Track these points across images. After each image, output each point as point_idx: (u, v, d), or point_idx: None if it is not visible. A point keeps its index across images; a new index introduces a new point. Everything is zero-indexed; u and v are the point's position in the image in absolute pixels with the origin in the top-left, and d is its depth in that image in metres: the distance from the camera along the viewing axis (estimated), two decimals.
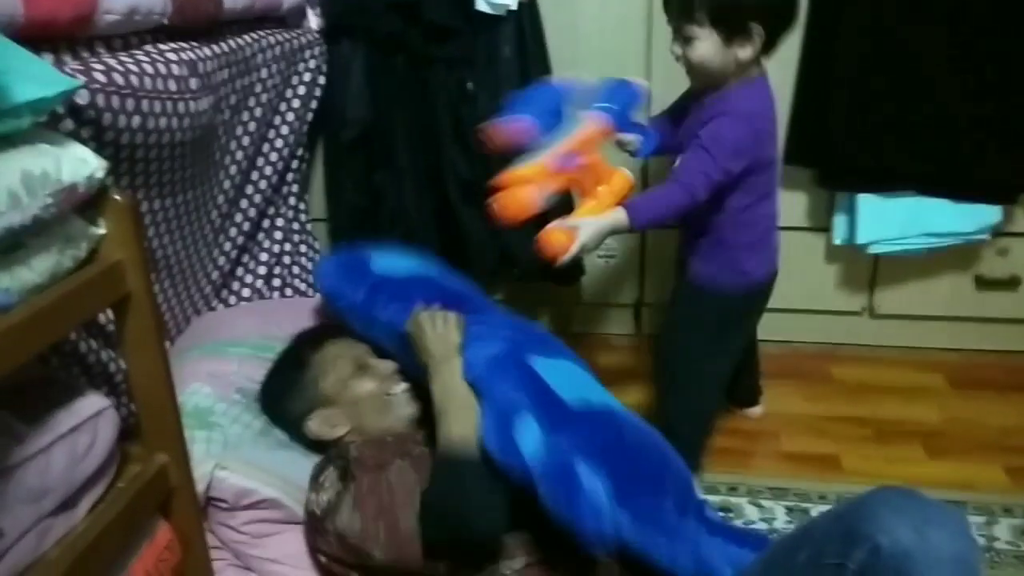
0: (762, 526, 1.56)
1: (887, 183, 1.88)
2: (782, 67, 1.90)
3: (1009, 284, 2.02)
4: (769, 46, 1.41)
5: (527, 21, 1.88)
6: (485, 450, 1.12)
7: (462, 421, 1.15)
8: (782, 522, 1.57)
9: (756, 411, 1.91)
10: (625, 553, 1.10)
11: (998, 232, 1.96)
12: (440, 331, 1.27)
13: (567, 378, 1.24)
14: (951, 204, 1.89)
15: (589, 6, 1.95)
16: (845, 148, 1.86)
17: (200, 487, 1.24)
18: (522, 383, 1.19)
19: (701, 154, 1.39)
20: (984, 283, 2.04)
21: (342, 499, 1.18)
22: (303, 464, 1.36)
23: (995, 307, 2.07)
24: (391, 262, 1.57)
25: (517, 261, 1.99)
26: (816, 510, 1.59)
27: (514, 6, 1.82)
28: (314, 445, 1.38)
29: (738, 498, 1.64)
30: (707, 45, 1.38)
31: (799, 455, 1.77)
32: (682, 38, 1.41)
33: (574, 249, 1.36)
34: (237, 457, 1.32)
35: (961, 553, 0.91)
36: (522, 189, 1.34)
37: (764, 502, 1.63)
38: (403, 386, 1.39)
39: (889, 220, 1.90)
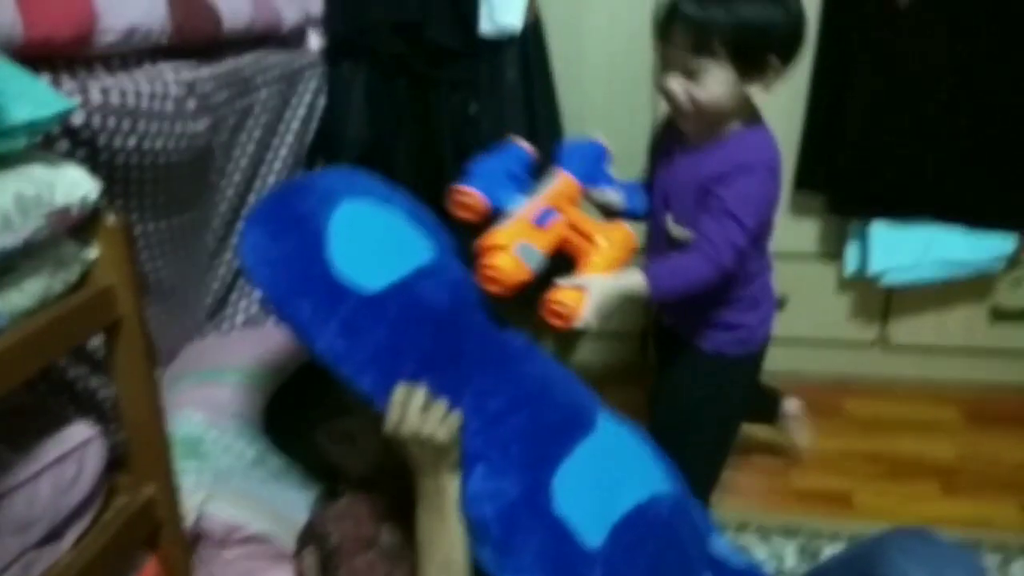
0: (771, 565, 1.51)
1: (900, 209, 1.84)
2: (792, 88, 1.89)
3: (1014, 316, 1.98)
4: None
5: (532, 45, 1.85)
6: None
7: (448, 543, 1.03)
8: (792, 562, 1.52)
9: (792, 406, 1.73)
10: None
11: (1013, 261, 1.92)
12: (429, 453, 1.04)
13: (590, 485, 1.09)
14: (965, 233, 1.86)
15: (595, 30, 1.93)
16: (858, 173, 1.83)
17: (189, 520, 1.20)
18: (548, 558, 1.03)
19: (726, 221, 1.20)
20: (999, 314, 2.00)
21: None
22: (296, 498, 1.32)
23: (1011, 339, 2.02)
24: (352, 234, 1.14)
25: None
26: (828, 549, 1.54)
27: (519, 27, 1.79)
28: (312, 464, 1.34)
29: (747, 536, 1.59)
30: (719, 82, 1.18)
31: (810, 492, 1.72)
32: (686, 72, 1.19)
33: (589, 311, 1.16)
34: (228, 489, 1.28)
35: None
36: (508, 254, 1.15)
37: (775, 541, 1.57)
38: None
39: (902, 248, 1.86)
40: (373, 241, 1.16)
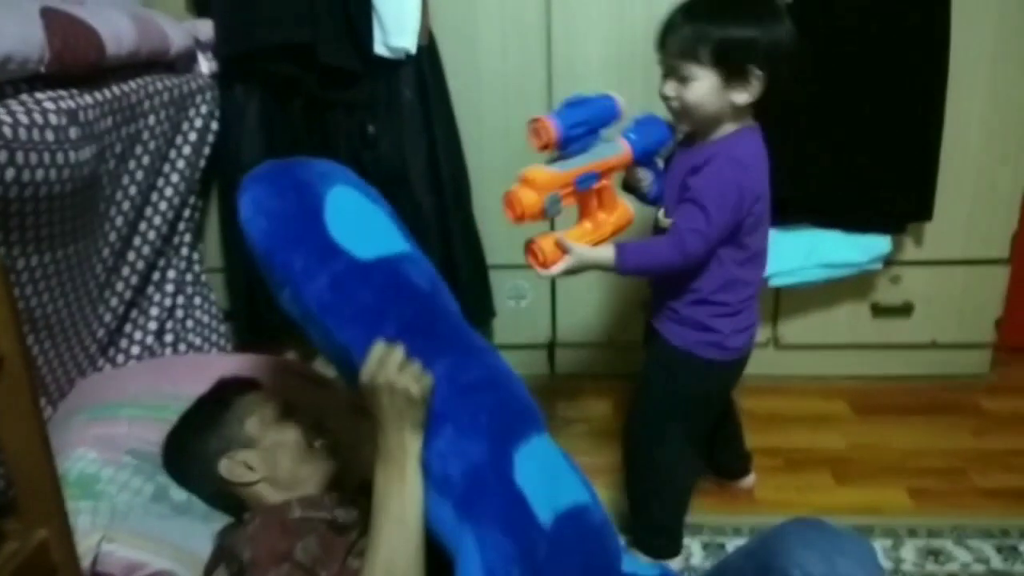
0: (678, 564, 1.55)
1: (783, 217, 1.93)
2: None
3: (903, 311, 2.11)
4: (768, 94, 1.33)
5: (427, 64, 1.87)
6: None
7: (391, 548, 1.03)
8: (699, 559, 1.57)
9: (748, 481, 1.78)
10: None
11: (890, 261, 2.04)
12: (398, 405, 1.05)
13: (541, 472, 1.12)
14: (844, 236, 1.96)
15: (490, 48, 1.96)
16: None
17: (85, 562, 1.16)
18: (510, 519, 1.05)
19: (691, 210, 1.31)
20: (880, 311, 2.11)
21: None
22: (200, 532, 1.28)
23: (892, 333, 2.14)
24: (348, 211, 1.21)
25: None
26: (732, 544, 1.59)
27: (413, 49, 1.81)
28: (215, 497, 1.31)
29: None
30: (705, 86, 1.31)
31: (713, 490, 1.78)
32: (678, 77, 1.34)
33: (560, 268, 1.33)
34: (126, 528, 1.24)
35: None
36: (539, 196, 1.28)
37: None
38: (321, 442, 1.32)
39: (787, 253, 1.95)
40: (362, 222, 1.22)
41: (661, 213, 1.44)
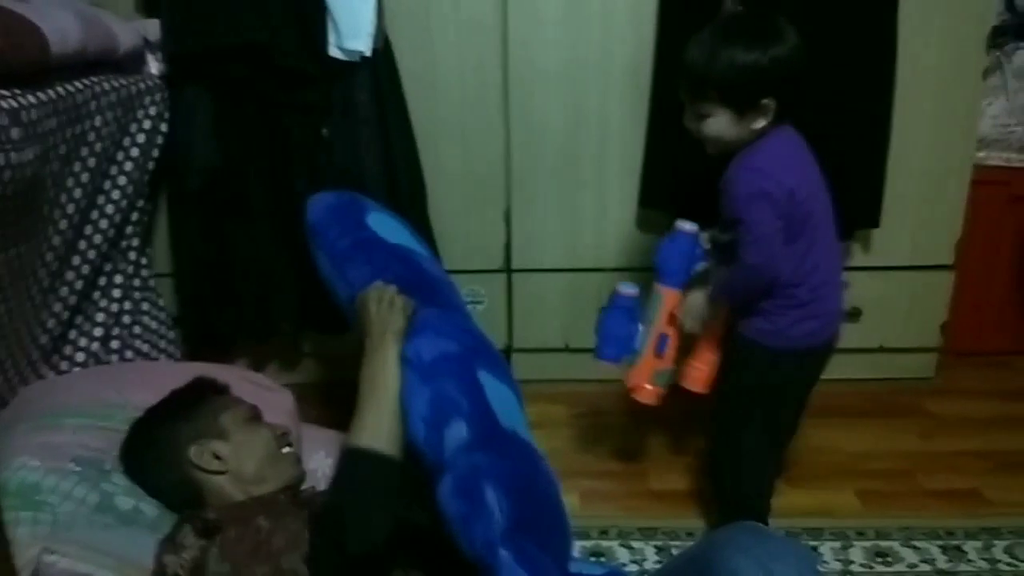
0: (633, 568, 1.56)
1: None
2: (635, 115, 1.98)
3: (852, 315, 2.14)
4: (785, 109, 1.39)
5: (383, 67, 1.86)
6: (410, 435, 1.12)
7: (376, 417, 1.13)
8: (652, 562, 1.58)
9: None
10: None
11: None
12: (383, 313, 1.22)
13: (505, 405, 1.22)
14: None
15: (445, 51, 1.96)
16: (694, 189, 1.92)
17: (25, 573, 1.12)
18: (466, 390, 1.16)
19: (740, 227, 1.39)
20: None
21: (208, 552, 1.09)
22: (146, 542, 1.24)
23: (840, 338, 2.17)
24: (386, 223, 1.50)
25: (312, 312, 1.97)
26: (684, 547, 1.60)
27: (368, 52, 1.80)
28: (174, 488, 1.28)
29: (609, 541, 1.64)
30: (720, 121, 1.39)
31: (667, 493, 1.79)
32: (696, 115, 1.41)
33: (687, 328, 1.55)
34: (68, 539, 1.20)
35: None
36: (646, 390, 1.60)
37: (634, 543, 1.63)
38: (290, 448, 1.34)
39: None
40: (397, 231, 1.50)
41: (717, 230, 1.52)
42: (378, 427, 1.12)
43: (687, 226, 1.56)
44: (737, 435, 1.55)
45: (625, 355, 1.61)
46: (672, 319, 1.57)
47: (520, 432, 1.21)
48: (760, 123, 1.39)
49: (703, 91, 1.38)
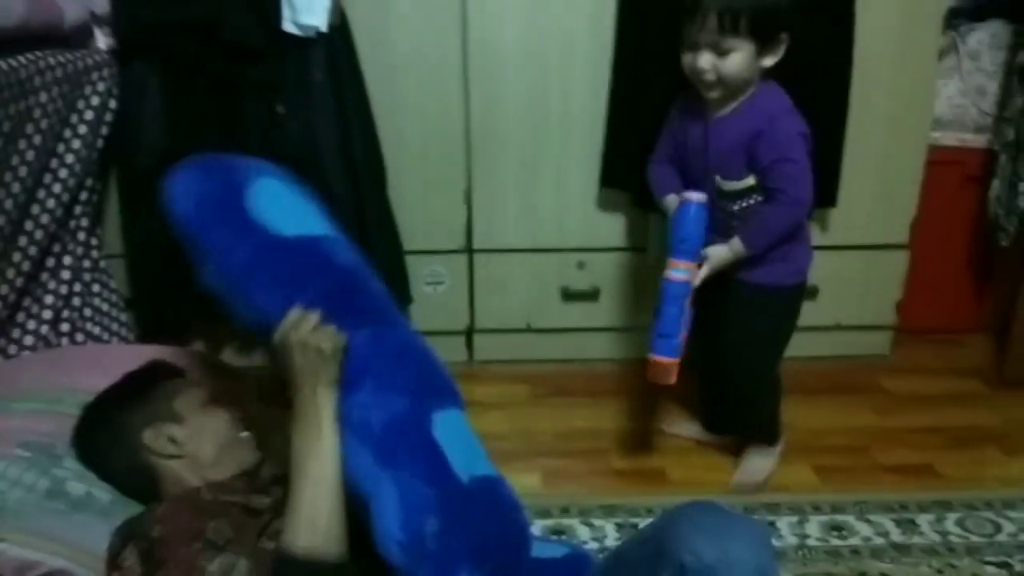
0: (594, 545, 1.57)
1: None
2: (596, 94, 1.97)
3: (809, 294, 2.14)
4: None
5: (339, 43, 1.83)
6: (383, 550, 1.02)
7: (312, 509, 1.02)
8: (612, 539, 1.59)
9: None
10: None
11: None
12: (311, 362, 1.07)
13: (458, 440, 1.14)
14: None
15: (404, 28, 1.93)
16: None
17: None
18: (428, 469, 1.07)
19: (782, 166, 1.46)
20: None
21: None
22: (98, 529, 1.22)
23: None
24: (273, 199, 1.22)
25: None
26: (645, 524, 1.61)
27: (324, 28, 1.76)
28: (128, 474, 1.26)
29: (570, 519, 1.64)
30: (743, 56, 1.42)
31: (628, 471, 1.81)
32: (717, 51, 1.42)
33: (703, 276, 1.53)
34: (17, 526, 1.17)
35: (761, 564, 0.95)
36: (666, 367, 1.53)
37: (595, 521, 1.63)
38: (247, 434, 1.30)
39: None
40: (286, 206, 1.23)
41: (719, 180, 1.54)
42: (316, 521, 1.01)
43: (697, 195, 1.51)
44: (773, 371, 1.73)
45: (680, 347, 1.53)
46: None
47: (477, 467, 1.15)
48: (770, 61, 1.46)
49: (735, 23, 1.40)
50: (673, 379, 1.53)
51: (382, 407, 1.08)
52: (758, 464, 1.78)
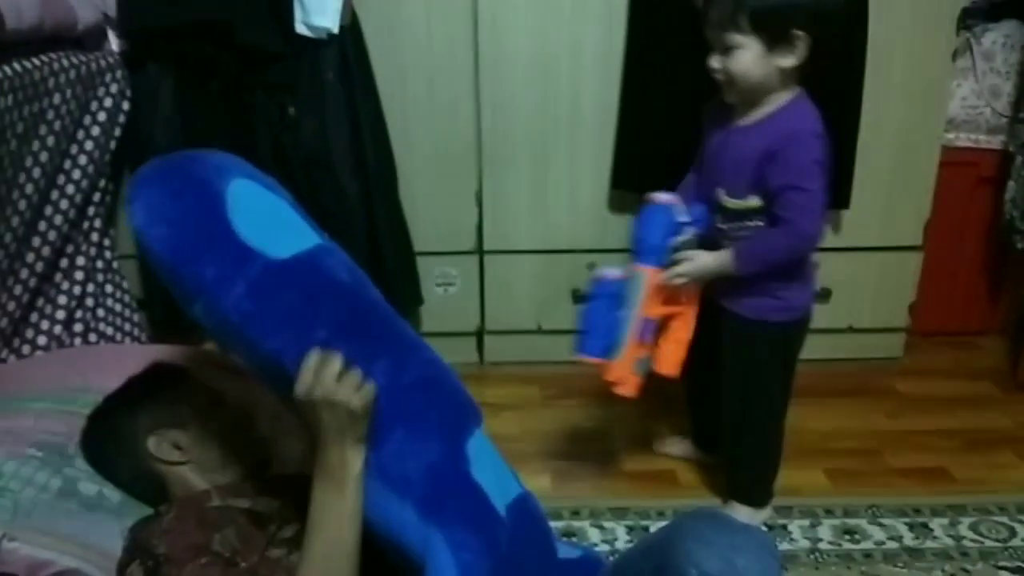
0: (604, 547, 1.56)
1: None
2: (606, 96, 1.97)
3: (822, 296, 2.15)
4: (814, 57, 1.36)
5: (350, 45, 1.83)
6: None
7: (323, 568, 0.99)
8: (623, 542, 1.58)
9: None
10: None
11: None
12: (341, 420, 0.99)
13: (489, 465, 1.12)
14: None
15: (414, 30, 1.93)
16: (665, 171, 1.92)
17: None
18: (475, 516, 1.04)
19: (793, 194, 1.35)
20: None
21: None
22: (109, 528, 1.23)
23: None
24: (252, 207, 1.07)
25: None
26: (655, 527, 1.61)
27: (335, 29, 1.77)
28: (135, 480, 1.25)
29: (580, 522, 1.64)
30: (749, 54, 1.34)
31: (639, 473, 1.80)
32: (722, 48, 1.36)
33: (681, 272, 1.44)
34: (30, 525, 1.17)
35: (767, 574, 0.95)
36: (629, 379, 1.46)
37: (606, 523, 1.63)
38: (255, 434, 1.30)
39: None
40: (268, 216, 1.09)
41: (722, 195, 1.45)
42: None
43: (663, 196, 1.48)
44: (762, 421, 1.59)
45: (610, 348, 1.47)
46: (655, 301, 1.47)
47: (508, 488, 1.14)
48: (788, 60, 1.35)
49: (734, 18, 1.32)
50: (613, 380, 1.46)
51: (418, 455, 1.04)
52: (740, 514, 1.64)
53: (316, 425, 1.01)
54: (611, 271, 1.52)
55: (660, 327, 1.50)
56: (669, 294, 1.48)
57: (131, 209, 1.05)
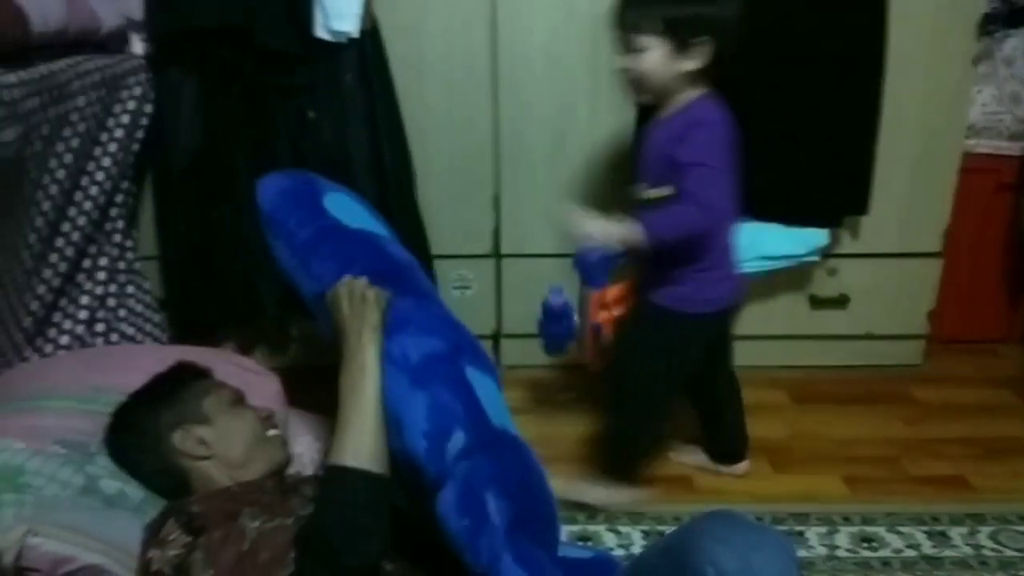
0: (620, 552, 1.56)
1: None
2: (624, 100, 1.96)
3: (839, 302, 2.15)
4: (714, 64, 1.44)
5: (370, 49, 1.84)
6: (410, 449, 1.08)
7: (359, 432, 1.09)
8: (639, 547, 1.58)
9: (742, 467, 1.81)
10: None
11: (827, 254, 2.08)
12: (356, 309, 1.16)
13: (492, 400, 1.20)
14: (783, 229, 1.99)
15: (434, 34, 1.94)
16: None
17: (9, 557, 1.11)
18: (459, 393, 1.14)
19: (694, 170, 1.41)
20: (817, 302, 2.15)
21: (193, 554, 1.07)
22: (131, 525, 1.24)
23: (828, 325, 2.19)
24: (344, 205, 1.39)
25: None
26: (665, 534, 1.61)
27: (355, 33, 1.78)
28: (159, 475, 1.28)
29: (596, 526, 1.64)
30: (656, 56, 1.42)
31: (655, 477, 1.79)
32: (631, 49, 1.43)
33: (582, 226, 1.45)
34: (52, 521, 1.18)
35: (784, 574, 0.94)
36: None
37: (621, 528, 1.63)
38: (275, 431, 1.34)
39: None
40: (355, 212, 1.39)
41: (644, 188, 1.53)
42: (361, 443, 1.08)
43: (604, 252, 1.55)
44: (640, 400, 1.64)
45: (568, 346, 1.69)
46: (604, 309, 1.63)
47: (508, 427, 1.20)
48: (691, 65, 1.43)
49: (645, 22, 1.41)
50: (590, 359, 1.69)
51: (421, 347, 1.16)
52: (594, 490, 1.69)
53: (339, 319, 1.17)
54: (556, 296, 1.64)
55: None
56: (612, 300, 1.64)
57: (260, 182, 1.41)
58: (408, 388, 1.11)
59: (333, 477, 1.06)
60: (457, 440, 1.08)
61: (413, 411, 1.09)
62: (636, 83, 1.47)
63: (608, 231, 1.45)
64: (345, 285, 1.19)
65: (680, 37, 1.40)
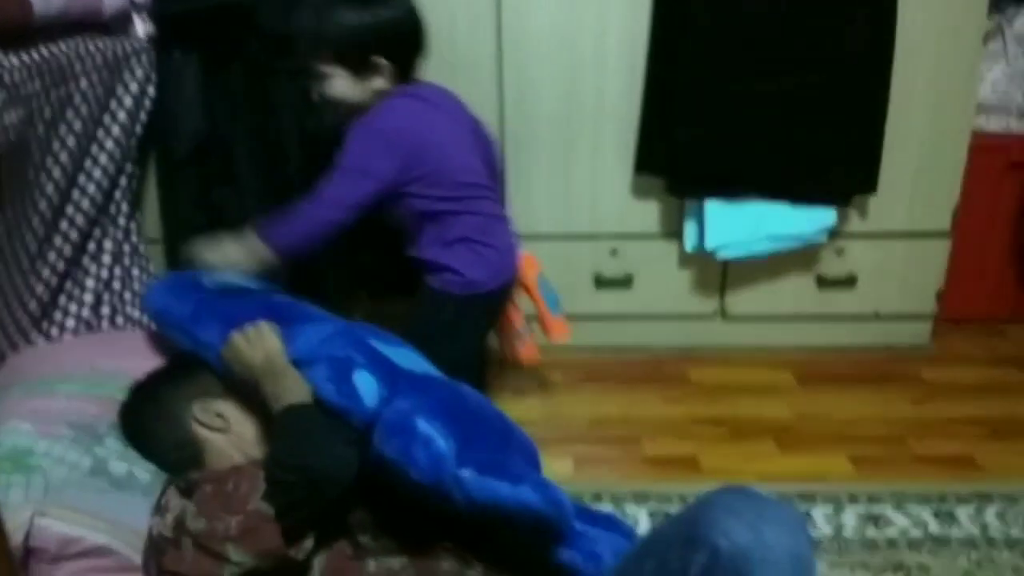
0: None
1: (730, 189, 1.94)
2: (631, 80, 1.95)
3: (847, 282, 2.14)
4: (405, 72, 1.49)
5: None
6: (326, 399, 1.18)
7: (296, 392, 1.18)
8: (644, 527, 1.58)
9: None
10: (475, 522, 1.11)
11: (835, 233, 2.07)
12: (256, 343, 1.25)
13: (407, 358, 1.29)
14: (791, 208, 1.97)
15: (437, 14, 1.91)
16: (690, 157, 1.91)
17: (17, 537, 1.12)
18: (357, 349, 1.23)
19: (338, 173, 1.45)
20: (824, 282, 2.14)
21: (187, 509, 1.11)
22: (138, 507, 1.25)
23: (836, 304, 2.18)
24: (221, 278, 1.49)
25: (368, 279, 1.94)
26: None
27: None
28: (174, 448, 1.30)
29: (602, 505, 1.64)
30: (340, 81, 1.46)
31: (660, 459, 1.80)
32: (315, 75, 1.46)
33: (203, 256, 1.48)
34: (61, 502, 1.20)
35: (796, 549, 0.93)
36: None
37: (628, 508, 1.63)
38: None
39: (735, 225, 1.96)
40: (234, 278, 1.49)
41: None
42: (304, 399, 1.18)
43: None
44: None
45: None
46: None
47: (432, 372, 1.30)
48: (379, 83, 1.46)
49: (316, 51, 1.44)
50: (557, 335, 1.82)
51: (315, 335, 1.27)
52: None
53: (244, 360, 1.25)
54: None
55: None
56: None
57: (147, 294, 1.56)
58: (312, 364, 1.23)
59: (287, 414, 1.16)
60: (366, 380, 1.18)
61: (316, 374, 1.20)
62: (334, 107, 1.50)
63: (227, 256, 1.47)
64: (236, 332, 1.27)
65: (354, 62, 1.43)
